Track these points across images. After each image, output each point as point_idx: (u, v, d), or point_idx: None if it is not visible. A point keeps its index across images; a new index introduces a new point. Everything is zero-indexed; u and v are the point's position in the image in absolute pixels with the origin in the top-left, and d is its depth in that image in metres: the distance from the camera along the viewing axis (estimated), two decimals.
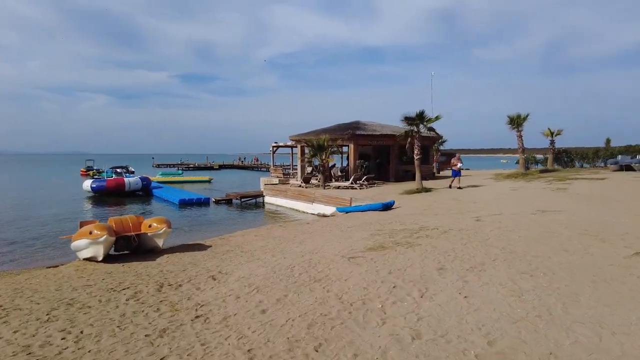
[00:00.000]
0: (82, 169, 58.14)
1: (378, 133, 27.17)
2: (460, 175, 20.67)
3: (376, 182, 25.14)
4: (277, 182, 30.40)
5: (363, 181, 24.15)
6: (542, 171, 28.14)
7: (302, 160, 31.24)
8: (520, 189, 18.40)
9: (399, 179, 27.96)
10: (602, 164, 30.98)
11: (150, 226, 9.33)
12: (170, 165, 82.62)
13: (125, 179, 31.94)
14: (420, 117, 19.95)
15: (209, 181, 46.32)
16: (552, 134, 30.47)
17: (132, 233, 9.28)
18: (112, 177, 35.37)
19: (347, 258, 7.55)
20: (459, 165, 19.65)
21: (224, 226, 19.13)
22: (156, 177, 44.74)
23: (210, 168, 75.61)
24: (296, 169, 36.18)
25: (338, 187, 24.04)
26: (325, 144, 23.64)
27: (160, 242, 9.53)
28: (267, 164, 75.13)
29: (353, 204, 19.58)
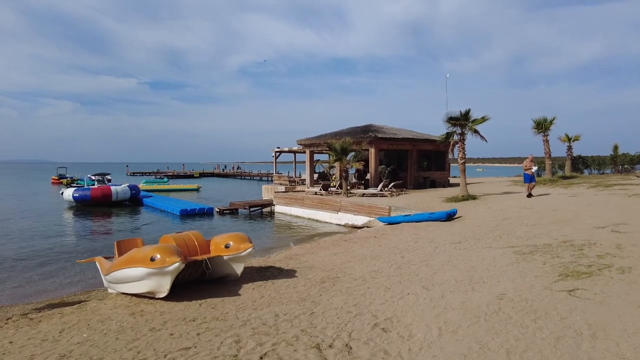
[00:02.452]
0: (54, 177, 53.59)
1: (400, 137, 25.22)
2: (535, 182, 17.78)
3: (404, 189, 23.07)
4: (284, 190, 27.90)
5: (390, 188, 22.04)
6: (562, 177, 26.92)
7: (311, 166, 28.94)
8: (579, 195, 16.74)
9: (418, 186, 26.10)
10: (623, 171, 30.19)
11: (226, 246, 6.78)
12: (145, 173, 78.22)
13: (112, 188, 28.62)
14: (466, 118, 18.06)
15: (197, 189, 43.16)
16: (569, 139, 29.42)
17: (204, 256, 6.71)
18: (93, 185, 31.86)
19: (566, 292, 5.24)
20: (534, 168, 17.27)
21: None
22: (140, 185, 41.20)
23: (191, 176, 71.88)
24: (298, 176, 33.86)
25: (363, 195, 21.83)
26: (349, 147, 21.43)
27: (239, 268, 7.00)
28: (259, 172, 72.31)
29: (393, 214, 17.43)
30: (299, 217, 22.61)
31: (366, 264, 8.09)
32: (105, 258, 8.52)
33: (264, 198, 29.74)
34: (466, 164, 19.54)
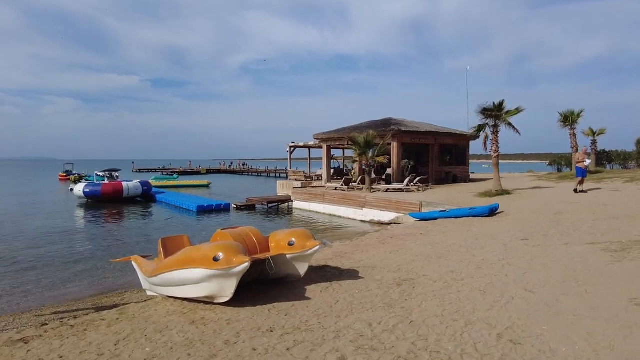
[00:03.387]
0: (61, 174, 52.86)
1: (422, 130, 24.38)
2: (585, 176, 16.28)
3: (429, 184, 22.23)
4: (301, 186, 27.08)
5: (416, 183, 21.21)
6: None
7: (328, 162, 28.13)
8: (621, 189, 15.89)
9: (440, 181, 25.26)
10: None
11: (290, 244, 5.96)
12: (150, 170, 77.46)
13: (124, 184, 27.84)
14: (500, 109, 17.19)
15: (207, 186, 42.37)
16: (593, 133, 28.50)
17: (267, 255, 5.89)
18: (103, 181, 31.13)
19: None
20: (587, 162, 15.78)
21: None
22: (150, 181, 40.47)
23: (198, 173, 71.12)
24: (313, 172, 33.01)
25: (387, 190, 21.01)
26: (373, 141, 20.59)
27: (303, 268, 6.19)
28: (267, 169, 71.50)
29: (425, 209, 16.62)
30: (320, 213, 21.80)
31: (437, 264, 7.27)
32: (143, 257, 7.75)
33: (279, 194, 28.98)
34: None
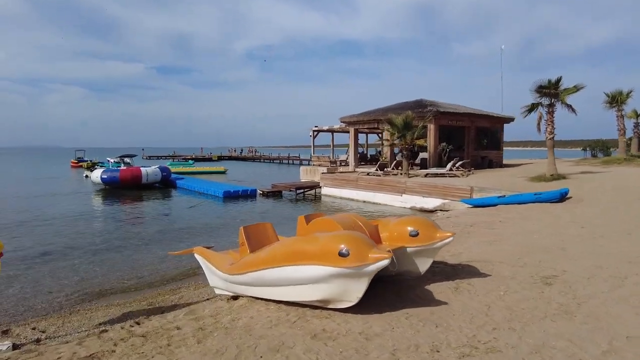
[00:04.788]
0: (73, 160, 52.01)
1: (460, 112, 22.98)
2: None
3: (472, 168, 20.90)
4: (326, 172, 25.86)
5: (458, 167, 19.92)
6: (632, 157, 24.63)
7: (356, 146, 26.85)
8: None
9: (476, 166, 23.92)
10: None
11: (412, 234, 4.75)
12: (160, 157, 76.48)
13: (143, 169, 26.75)
14: (556, 87, 15.77)
15: (224, 172, 41.28)
16: (637, 115, 26.95)
17: (386, 247, 4.67)
18: (120, 166, 30.11)
19: None
20: None
21: None
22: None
23: (209, 159, 70.06)
24: (337, 157, 31.75)
25: (426, 175, 19.74)
26: (412, 122, 19.26)
27: (425, 265, 4.99)
28: (279, 155, 70.20)
29: (476, 195, 15.38)
30: (352, 199, 20.62)
31: (566, 257, 6.08)
32: (206, 248, 6.58)
33: (302, 180, 27.81)
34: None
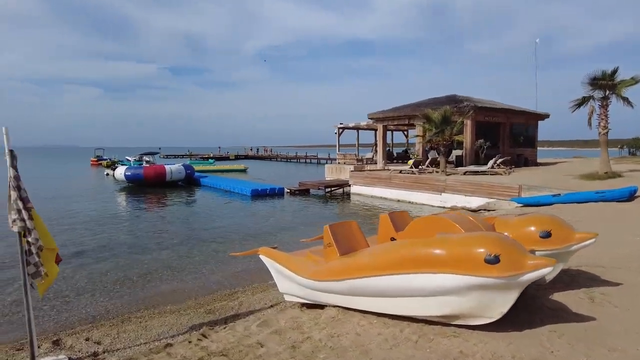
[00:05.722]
0: (92, 159, 52.16)
1: (497, 107, 22.00)
2: None
3: (512, 166, 19.91)
4: (354, 169, 25.08)
5: (498, 164, 18.96)
6: None
7: (384, 143, 25.99)
8: None
9: (513, 164, 22.89)
10: None
11: (544, 235, 3.93)
12: (177, 155, 76.52)
13: (167, 167, 26.34)
14: (612, 78, 14.74)
15: (244, 170, 40.77)
16: None
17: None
18: (141, 164, 29.80)
19: None
20: None
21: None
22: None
23: (227, 158, 69.79)
24: (362, 155, 30.97)
25: (465, 173, 18.82)
26: (451, 117, 18.37)
27: (555, 271, 4.15)
28: (296, 154, 69.60)
29: (525, 194, 14.44)
30: (384, 198, 19.80)
31: None
32: (272, 248, 5.85)
33: (327, 178, 27.08)
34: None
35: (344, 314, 4.38)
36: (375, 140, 32.03)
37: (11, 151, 4.17)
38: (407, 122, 24.50)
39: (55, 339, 5.06)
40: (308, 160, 65.64)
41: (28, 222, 4.13)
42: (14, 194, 4.12)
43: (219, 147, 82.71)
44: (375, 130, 31.28)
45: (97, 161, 49.91)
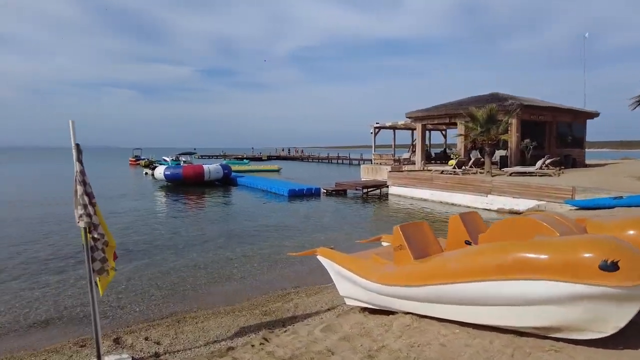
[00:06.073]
0: (131, 159, 53.85)
1: (544, 105, 21.03)
2: None
3: (562, 167, 18.96)
4: (391, 170, 24.58)
5: (547, 165, 18.06)
6: None
7: (423, 143, 25.36)
8: None
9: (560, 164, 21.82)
10: None
11: None
12: (212, 156, 77.98)
13: (205, 167, 26.72)
14: None
15: (278, 171, 40.96)
16: None
17: None
18: (179, 164, 30.39)
19: None
20: None
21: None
22: None
23: (259, 159, 70.51)
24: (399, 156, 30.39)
25: (511, 174, 18.03)
26: (497, 116, 17.64)
27: None
28: (328, 155, 69.53)
29: (578, 196, 13.62)
30: (425, 200, 19.25)
31: None
32: (329, 249, 5.60)
33: (363, 179, 26.70)
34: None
35: (419, 321, 4.06)
36: (412, 140, 31.41)
37: (77, 145, 4.10)
38: (447, 121, 23.82)
39: (114, 337, 4.99)
40: (340, 161, 65.35)
41: (94, 218, 4.04)
42: (80, 189, 4.03)
43: (252, 148, 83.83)
44: (413, 129, 30.66)
45: (135, 161, 51.42)
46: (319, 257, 5.52)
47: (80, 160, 4.07)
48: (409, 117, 25.40)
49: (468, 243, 4.58)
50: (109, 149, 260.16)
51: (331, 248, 5.77)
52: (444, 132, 32.00)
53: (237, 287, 7.43)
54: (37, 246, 10.41)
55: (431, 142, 32.89)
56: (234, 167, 39.53)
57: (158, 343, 4.78)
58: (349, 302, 5.25)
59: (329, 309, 5.84)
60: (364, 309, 5.20)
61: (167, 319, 5.86)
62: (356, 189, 22.03)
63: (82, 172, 4.07)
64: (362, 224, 14.63)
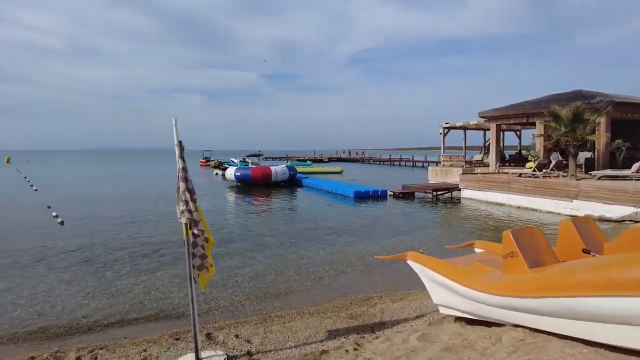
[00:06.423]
0: (201, 160, 56.64)
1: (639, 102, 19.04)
2: None
3: None
4: (463, 172, 23.50)
5: None
6: None
7: (497, 144, 24.01)
8: None
9: None
10: None
11: None
12: (274, 158, 79.92)
13: (272, 168, 27.38)
14: None
15: (340, 172, 40.97)
16: None
17: None
18: (244, 166, 31.35)
19: None
20: None
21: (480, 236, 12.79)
22: None
23: (321, 160, 71.13)
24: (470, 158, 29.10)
25: (600, 178, 16.46)
26: (583, 114, 16.19)
27: None
28: (390, 157, 68.61)
29: None
30: (501, 204, 18.16)
31: None
32: (420, 253, 5.31)
33: (430, 181, 25.83)
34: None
35: (533, 336, 3.67)
36: (485, 141, 29.93)
37: (180, 142, 4.18)
38: (525, 121, 22.35)
39: (206, 332, 5.06)
40: (403, 163, 64.07)
41: (194, 214, 4.10)
42: (182, 185, 4.11)
43: (314, 150, 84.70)
44: (485, 130, 29.21)
45: (205, 162, 53.98)
46: (409, 262, 5.25)
47: (182, 157, 4.15)
48: (482, 117, 24.18)
49: (586, 252, 4.10)
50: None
51: (421, 252, 5.48)
52: (518, 132, 30.16)
53: (316, 287, 7.35)
54: (135, 241, 11.06)
55: (504, 144, 31.13)
56: (300, 169, 40.19)
57: (249, 341, 4.78)
58: (443, 310, 4.94)
59: (417, 317, 5.55)
60: (459, 319, 4.86)
61: (252, 316, 5.89)
62: (425, 192, 21.33)
63: (185, 169, 4.14)
64: (436, 228, 14.07)
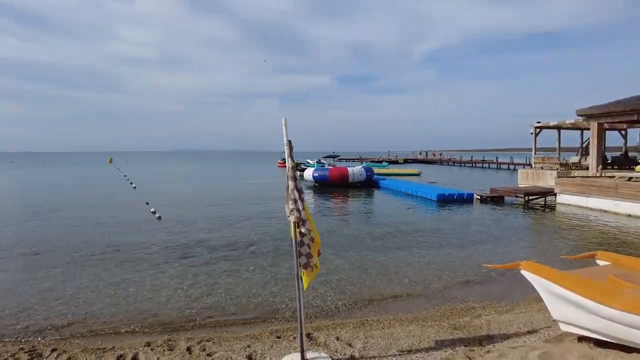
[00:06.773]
0: (279, 161, 58.58)
1: None
2: None
3: None
4: (559, 175, 21.54)
5: None
6: None
7: (599, 144, 21.72)
8: None
9: None
10: None
11: None
12: (348, 159, 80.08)
13: (349, 169, 27.34)
14: None
15: (418, 174, 39.85)
16: None
17: None
18: (320, 167, 31.62)
19: None
20: None
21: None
22: None
23: (396, 162, 69.93)
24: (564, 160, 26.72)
25: None
26: None
27: None
28: (471, 159, 65.53)
29: None
30: (605, 211, 16.37)
31: None
32: (535, 262, 4.81)
33: (520, 185, 24.06)
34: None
35: None
36: (582, 142, 27.32)
37: (289, 142, 4.18)
38: (635, 119, 19.94)
39: (306, 332, 5.03)
40: (486, 165, 60.75)
41: (302, 213, 4.07)
42: (291, 184, 4.10)
43: (389, 151, 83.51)
44: (582, 129, 26.65)
45: (283, 163, 55.64)
46: (524, 272, 4.79)
47: (291, 156, 4.15)
48: (581, 115, 21.98)
49: None
50: (258, 153, 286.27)
51: (536, 262, 4.99)
52: (623, 132, 27.06)
53: (410, 293, 7.06)
54: (238, 238, 11.56)
55: (605, 144, 28.11)
56: (377, 170, 39.76)
57: (350, 345, 4.66)
58: (564, 327, 4.43)
59: (528, 332, 5.06)
60: (585, 339, 4.34)
61: (348, 319, 5.78)
62: (516, 196, 19.90)
63: (294, 168, 4.14)
64: (538, 235, 12.96)
